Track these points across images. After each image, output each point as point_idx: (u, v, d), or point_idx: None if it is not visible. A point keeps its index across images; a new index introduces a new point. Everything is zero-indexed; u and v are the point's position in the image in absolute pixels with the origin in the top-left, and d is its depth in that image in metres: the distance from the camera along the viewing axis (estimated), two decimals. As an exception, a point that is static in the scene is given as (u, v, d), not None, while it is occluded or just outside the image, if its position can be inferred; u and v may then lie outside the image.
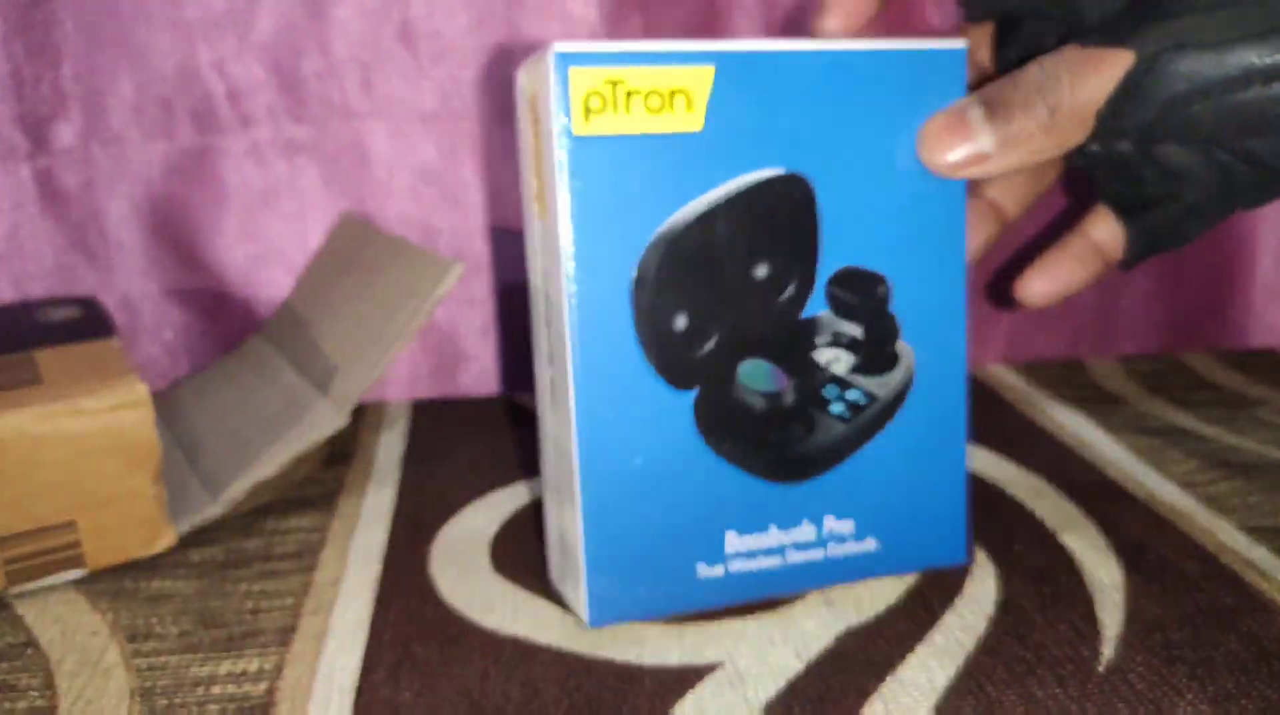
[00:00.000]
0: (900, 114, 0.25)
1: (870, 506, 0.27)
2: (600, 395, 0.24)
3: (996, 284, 0.44)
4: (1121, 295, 0.45)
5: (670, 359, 0.24)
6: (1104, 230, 0.28)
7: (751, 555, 0.26)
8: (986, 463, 0.35)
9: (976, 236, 0.29)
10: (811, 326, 0.25)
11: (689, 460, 0.25)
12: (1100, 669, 0.24)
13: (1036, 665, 0.24)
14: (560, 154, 0.23)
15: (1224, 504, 0.32)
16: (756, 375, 0.25)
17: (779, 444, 0.25)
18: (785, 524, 0.26)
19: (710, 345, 0.24)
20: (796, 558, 0.26)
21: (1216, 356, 0.46)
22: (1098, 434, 0.38)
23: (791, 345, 0.25)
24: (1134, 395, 0.42)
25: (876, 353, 0.26)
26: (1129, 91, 0.23)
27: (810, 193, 0.24)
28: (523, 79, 0.24)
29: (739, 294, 0.24)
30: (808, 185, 0.24)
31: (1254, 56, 0.22)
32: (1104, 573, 0.28)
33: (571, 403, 0.24)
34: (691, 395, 0.25)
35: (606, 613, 0.25)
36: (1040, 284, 0.28)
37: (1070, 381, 0.43)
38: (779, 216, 0.24)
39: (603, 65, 0.22)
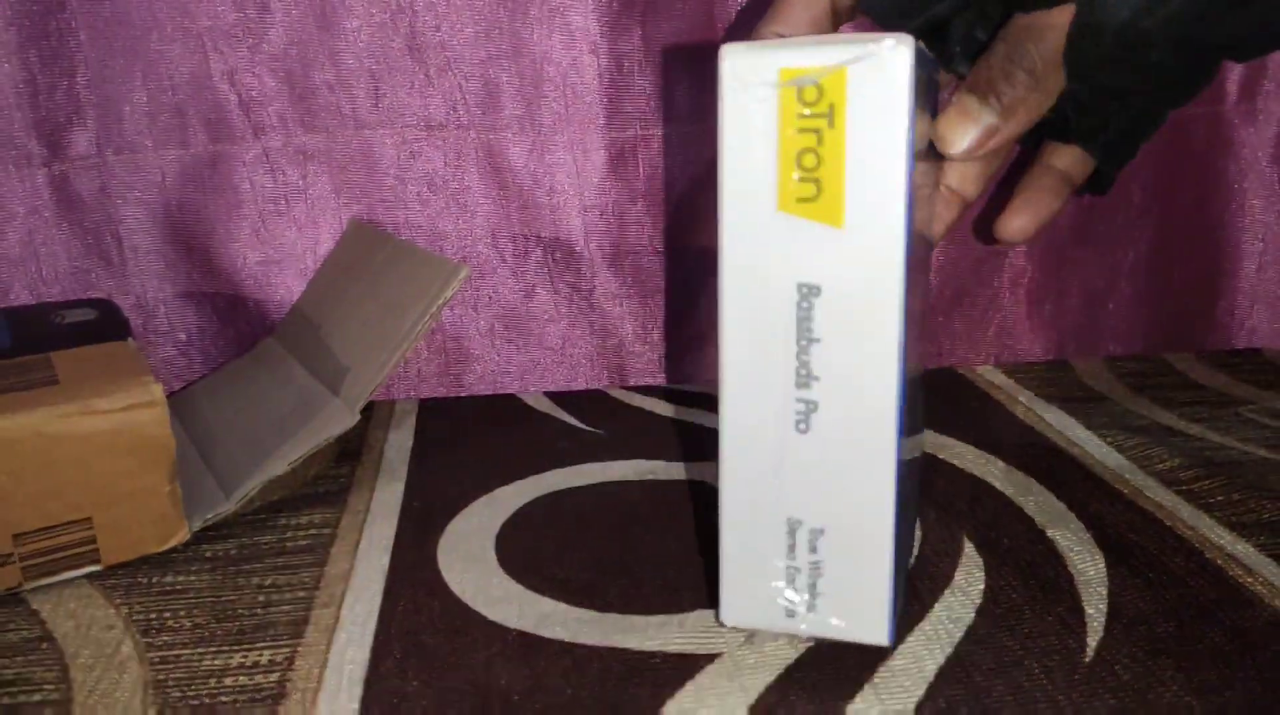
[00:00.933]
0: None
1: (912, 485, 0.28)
2: (905, 399, 0.23)
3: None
4: (1108, 299, 0.46)
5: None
6: (1066, 159, 0.31)
7: (907, 543, 0.26)
8: (975, 460, 0.36)
9: (942, 222, 0.32)
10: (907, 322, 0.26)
11: (906, 462, 0.24)
12: (1086, 660, 0.24)
13: (1024, 656, 0.24)
14: (903, 156, 0.21)
15: (1208, 500, 0.32)
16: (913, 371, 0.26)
17: (913, 435, 0.26)
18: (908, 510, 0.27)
19: (908, 351, 0.24)
20: (909, 538, 0.28)
21: (1201, 357, 0.46)
22: (1084, 432, 0.38)
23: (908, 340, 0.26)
24: (1120, 395, 0.42)
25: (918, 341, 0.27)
26: (1082, 34, 0.25)
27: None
28: (777, 68, 0.21)
29: (914, 296, 0.24)
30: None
31: None
32: (1090, 567, 0.28)
33: (889, 415, 0.22)
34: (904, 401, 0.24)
35: (895, 632, 0.24)
36: (1020, 220, 0.30)
37: (1057, 381, 0.44)
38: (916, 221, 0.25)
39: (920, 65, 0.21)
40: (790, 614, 0.24)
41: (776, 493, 0.23)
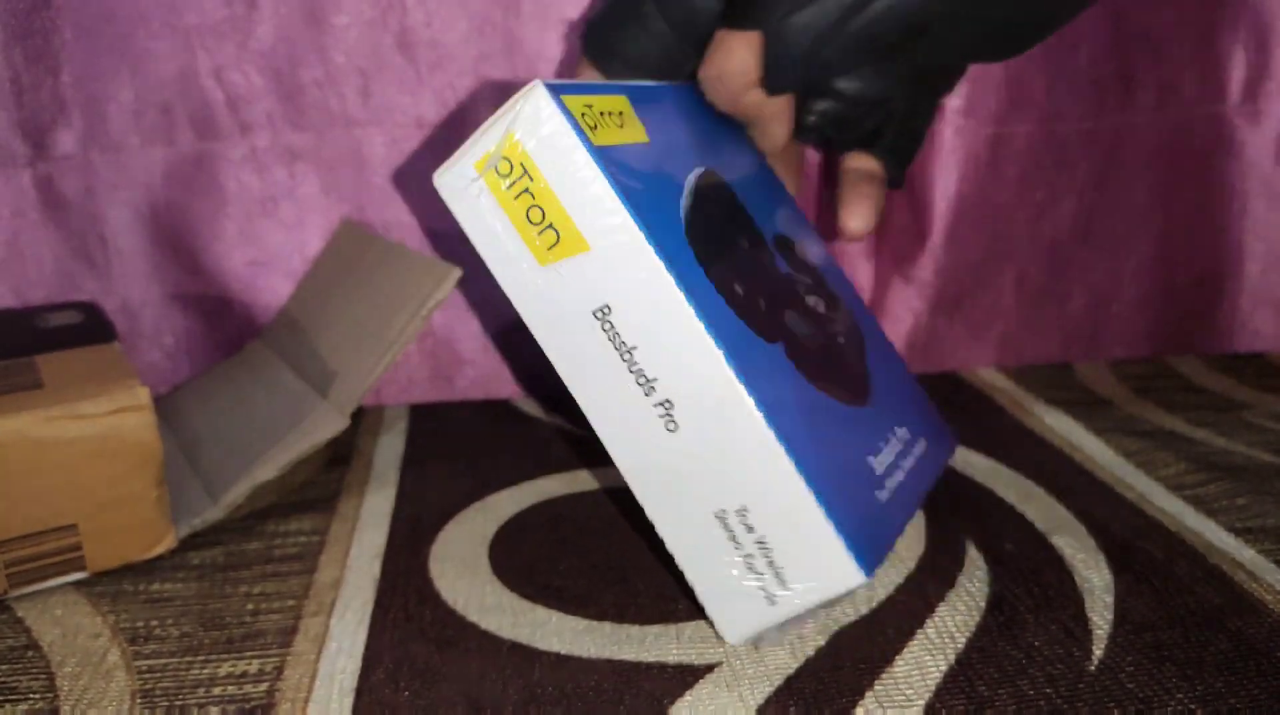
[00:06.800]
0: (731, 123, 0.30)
1: (905, 411, 0.30)
2: (756, 374, 0.24)
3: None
4: (1111, 302, 0.46)
5: (755, 320, 0.25)
6: (864, 162, 0.33)
7: (890, 472, 0.27)
8: (978, 465, 0.36)
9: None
10: (791, 279, 0.28)
11: (817, 404, 0.25)
12: (1091, 668, 0.24)
13: (1028, 665, 0.24)
14: (593, 168, 0.23)
15: (1212, 505, 0.32)
16: (796, 323, 0.27)
17: (848, 372, 0.28)
18: (884, 441, 0.27)
19: (763, 303, 0.26)
20: (907, 465, 0.28)
21: (1204, 361, 0.46)
22: (1087, 437, 0.38)
23: (794, 294, 0.28)
24: (1123, 398, 0.42)
25: (827, 291, 0.30)
26: (774, 61, 0.27)
27: (725, 181, 0.28)
28: (471, 163, 0.24)
29: (749, 261, 0.27)
30: (721, 175, 0.28)
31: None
32: (1094, 573, 0.28)
33: (741, 395, 0.23)
34: (780, 347, 0.26)
35: (872, 564, 0.24)
36: (856, 220, 0.32)
37: (1060, 385, 0.44)
38: (725, 200, 0.28)
39: (575, 94, 0.24)
40: (770, 600, 0.24)
41: (690, 495, 0.24)
